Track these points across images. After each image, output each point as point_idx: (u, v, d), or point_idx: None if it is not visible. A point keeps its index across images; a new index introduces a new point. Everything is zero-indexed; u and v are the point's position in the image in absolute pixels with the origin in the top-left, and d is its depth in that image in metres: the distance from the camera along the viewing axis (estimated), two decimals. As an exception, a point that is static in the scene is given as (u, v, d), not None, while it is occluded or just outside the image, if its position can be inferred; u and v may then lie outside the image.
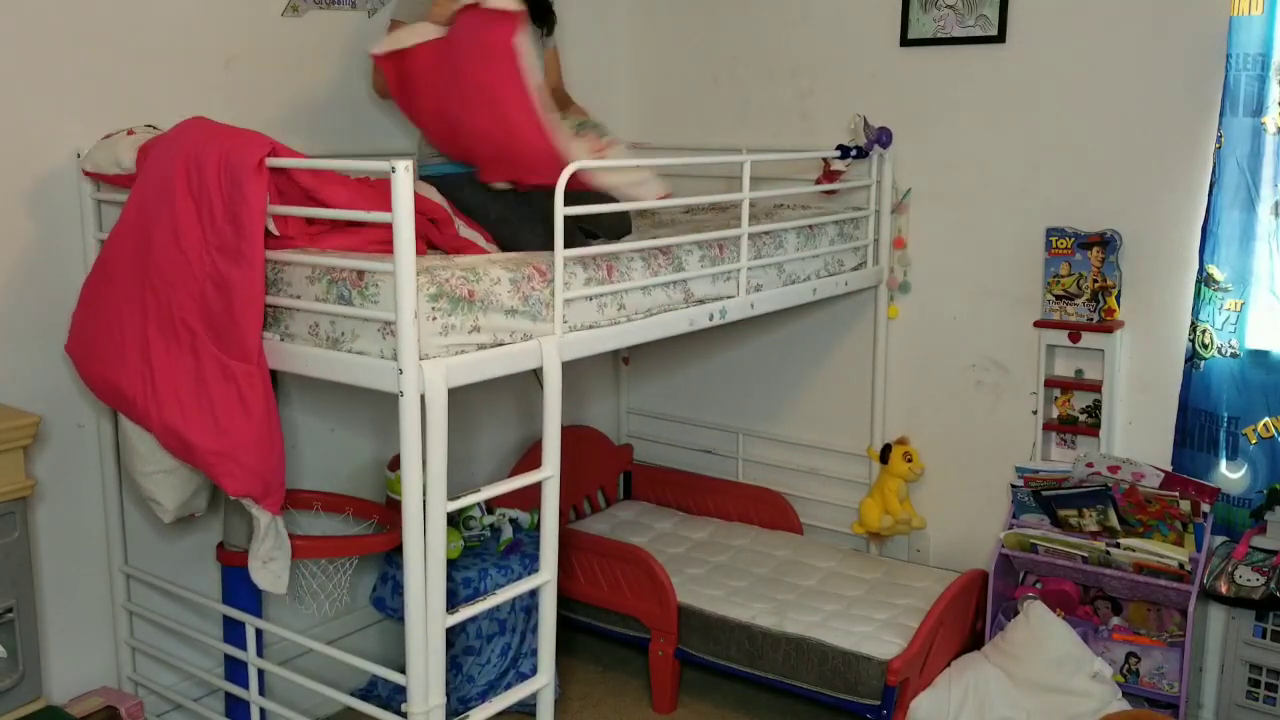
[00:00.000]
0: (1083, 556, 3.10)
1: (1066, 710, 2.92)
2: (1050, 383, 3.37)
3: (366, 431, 3.30)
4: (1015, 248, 3.39)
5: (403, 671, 2.23)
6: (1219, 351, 3.03)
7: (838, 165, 3.47)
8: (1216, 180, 2.98)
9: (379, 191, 2.15)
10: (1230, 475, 3.07)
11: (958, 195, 3.49)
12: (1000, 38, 3.34)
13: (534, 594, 2.58)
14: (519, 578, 2.94)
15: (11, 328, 2.55)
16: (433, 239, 2.48)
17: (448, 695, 2.25)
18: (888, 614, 3.20)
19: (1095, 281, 3.23)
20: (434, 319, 2.14)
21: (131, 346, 2.30)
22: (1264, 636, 2.95)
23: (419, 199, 2.19)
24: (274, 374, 2.64)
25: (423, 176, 2.67)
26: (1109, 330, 3.21)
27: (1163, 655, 3.07)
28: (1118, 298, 3.22)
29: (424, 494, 2.13)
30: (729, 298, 2.89)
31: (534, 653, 2.62)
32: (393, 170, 2.01)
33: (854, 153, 3.44)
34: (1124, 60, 3.17)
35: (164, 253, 2.25)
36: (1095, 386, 3.28)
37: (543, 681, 2.52)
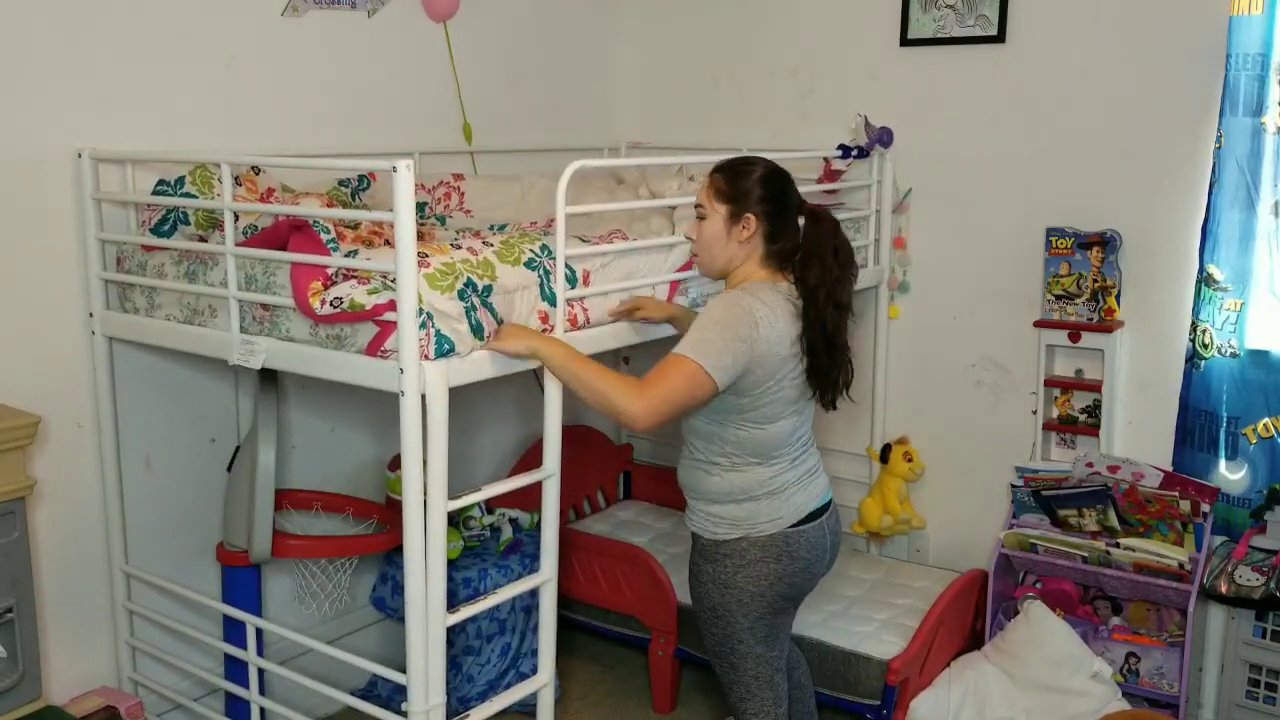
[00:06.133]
0: (1083, 556, 3.10)
1: (1066, 710, 2.92)
2: (1050, 382, 3.37)
3: (366, 431, 3.29)
4: (1015, 248, 3.39)
5: (403, 671, 2.23)
6: (1219, 351, 3.03)
7: (838, 165, 3.47)
8: (1216, 180, 2.98)
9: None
10: (1230, 475, 3.07)
11: (958, 195, 3.49)
12: (1000, 38, 3.34)
13: (534, 594, 2.58)
14: (519, 577, 2.94)
15: (12, 327, 2.54)
16: None
17: (448, 695, 2.25)
18: (888, 614, 3.20)
19: (1095, 281, 3.23)
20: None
21: None
22: (1264, 636, 2.95)
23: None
24: (274, 374, 2.66)
25: None
26: (1109, 330, 3.21)
27: (1162, 655, 3.07)
28: (1118, 298, 3.22)
29: (424, 494, 2.13)
30: (729, 297, 2.87)
31: (534, 652, 2.62)
32: (394, 169, 2.01)
33: (855, 152, 3.44)
34: (1124, 60, 3.17)
35: None
36: (1095, 386, 3.28)
37: (543, 681, 2.52)
